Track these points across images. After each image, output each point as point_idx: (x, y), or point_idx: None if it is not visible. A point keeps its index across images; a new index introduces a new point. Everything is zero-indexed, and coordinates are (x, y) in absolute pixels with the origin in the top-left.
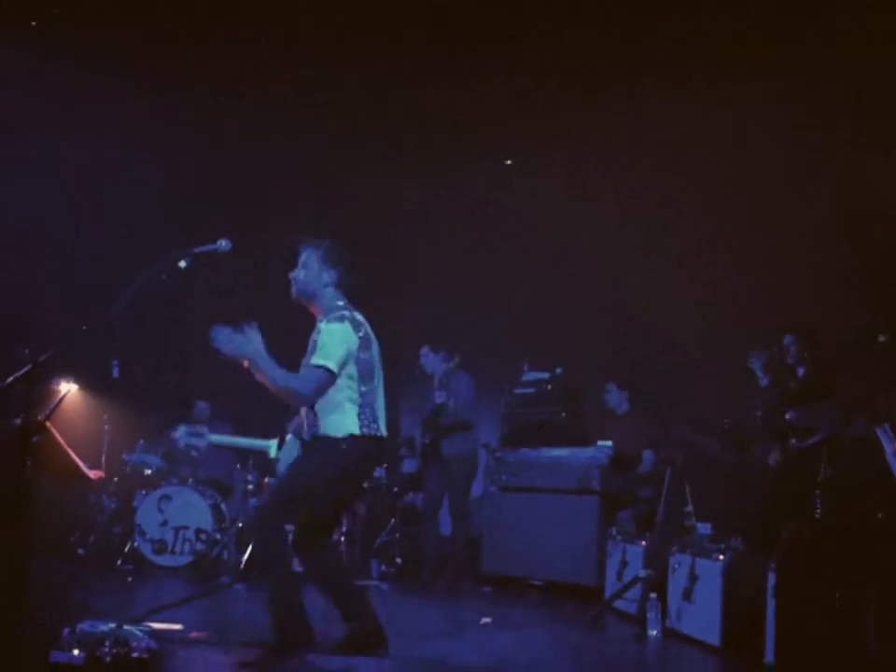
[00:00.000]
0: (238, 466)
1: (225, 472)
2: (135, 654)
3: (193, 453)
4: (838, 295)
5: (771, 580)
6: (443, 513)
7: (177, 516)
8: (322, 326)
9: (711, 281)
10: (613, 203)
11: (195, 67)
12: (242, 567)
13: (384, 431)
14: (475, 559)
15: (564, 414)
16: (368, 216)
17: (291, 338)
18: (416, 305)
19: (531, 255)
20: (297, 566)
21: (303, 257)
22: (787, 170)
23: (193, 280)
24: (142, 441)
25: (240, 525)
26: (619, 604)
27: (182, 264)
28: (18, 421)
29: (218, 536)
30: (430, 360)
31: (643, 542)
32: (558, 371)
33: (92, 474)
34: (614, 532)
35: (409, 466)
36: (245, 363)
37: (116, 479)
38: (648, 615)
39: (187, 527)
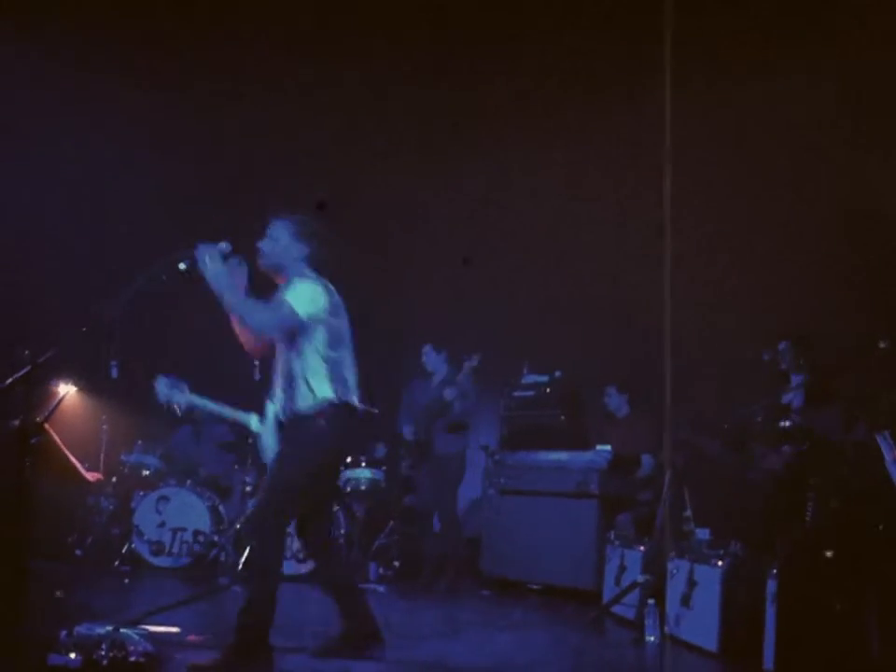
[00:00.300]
0: (236, 466)
1: (224, 472)
2: (132, 658)
3: (176, 411)
4: (838, 296)
5: (770, 586)
6: None
7: (175, 518)
8: (291, 283)
9: (711, 281)
10: (613, 203)
11: (195, 65)
12: (240, 568)
13: (356, 403)
14: (474, 562)
15: (563, 418)
16: (367, 214)
17: None
18: (416, 305)
19: (531, 255)
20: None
21: (272, 228)
22: (787, 170)
23: (193, 281)
24: (140, 442)
25: (238, 526)
26: (617, 609)
27: (182, 266)
28: (17, 423)
29: (216, 538)
30: (432, 359)
31: (642, 547)
32: (557, 373)
33: (91, 476)
34: (613, 536)
35: (407, 468)
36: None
37: (114, 480)
38: (646, 621)
39: (185, 529)
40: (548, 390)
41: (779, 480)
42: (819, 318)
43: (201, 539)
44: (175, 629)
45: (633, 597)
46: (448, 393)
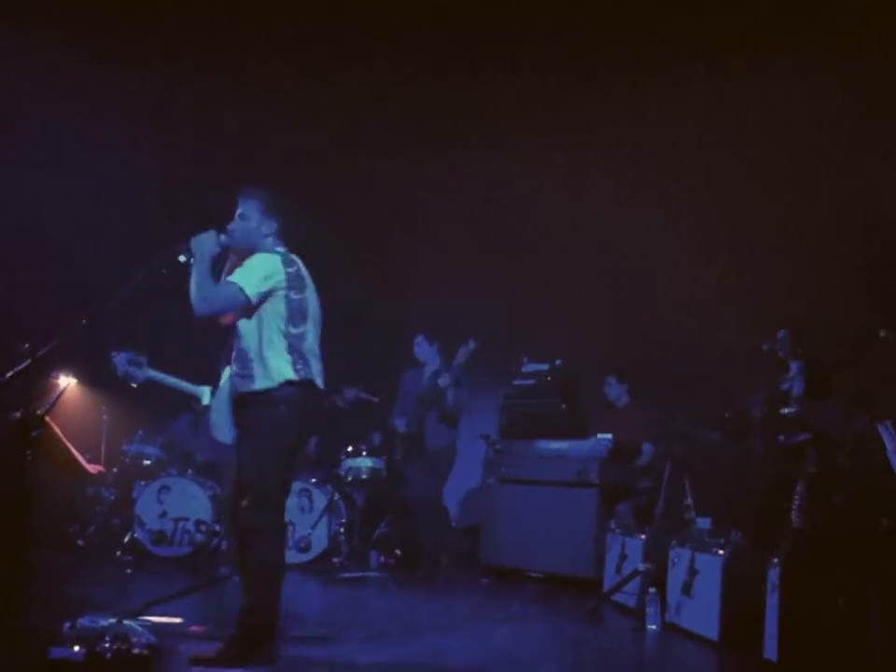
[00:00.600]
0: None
1: (220, 458)
2: (136, 650)
3: (131, 383)
4: (839, 290)
5: (771, 575)
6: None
7: (177, 507)
8: (249, 259)
9: (711, 274)
10: (613, 198)
11: (195, 61)
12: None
13: (318, 380)
14: (474, 551)
15: (563, 406)
16: (368, 211)
17: None
18: (416, 296)
19: (531, 246)
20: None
21: (242, 209)
22: (787, 169)
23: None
24: (141, 432)
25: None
26: (618, 597)
27: (182, 259)
28: (17, 415)
29: (218, 527)
30: (424, 350)
31: (642, 536)
32: (557, 362)
33: (92, 468)
34: (613, 525)
35: (399, 460)
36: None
37: (115, 470)
38: (647, 609)
39: (186, 518)
40: (548, 379)
41: (780, 469)
42: (819, 310)
43: (202, 528)
44: (177, 620)
45: (634, 586)
46: (443, 381)
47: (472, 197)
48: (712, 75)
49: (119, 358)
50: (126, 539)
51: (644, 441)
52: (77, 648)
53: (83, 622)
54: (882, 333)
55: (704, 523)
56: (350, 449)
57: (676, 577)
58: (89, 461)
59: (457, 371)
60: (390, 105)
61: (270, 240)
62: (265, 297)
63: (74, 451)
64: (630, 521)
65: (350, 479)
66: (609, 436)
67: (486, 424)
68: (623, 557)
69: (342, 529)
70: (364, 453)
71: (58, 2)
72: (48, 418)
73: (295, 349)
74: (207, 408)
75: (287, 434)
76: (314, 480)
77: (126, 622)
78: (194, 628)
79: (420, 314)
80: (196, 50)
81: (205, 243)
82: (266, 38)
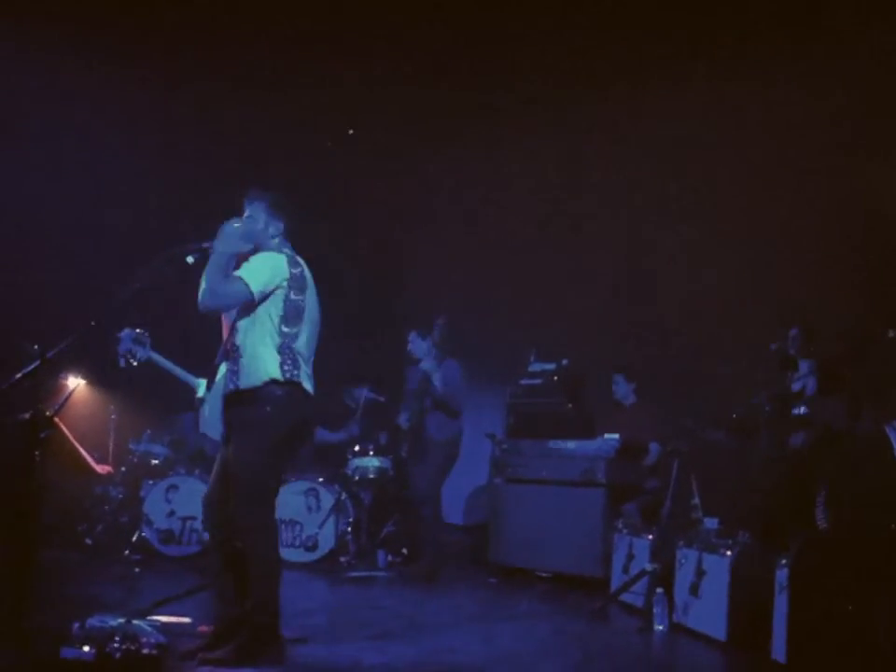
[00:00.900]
0: None
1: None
2: (145, 650)
3: (132, 361)
4: (847, 290)
5: (779, 576)
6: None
7: (185, 506)
8: (255, 257)
9: (714, 273)
10: (621, 195)
11: (195, 61)
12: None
13: (307, 384)
14: (480, 549)
15: (569, 406)
16: (371, 207)
17: None
18: (425, 296)
19: (539, 244)
20: None
21: (249, 210)
22: (796, 167)
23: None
24: (148, 431)
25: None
26: (625, 597)
27: (190, 259)
28: (27, 416)
29: None
30: (418, 346)
31: (649, 535)
32: (564, 362)
33: (101, 469)
34: (620, 525)
35: (404, 455)
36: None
37: (123, 469)
38: (654, 609)
39: (194, 517)
40: (555, 378)
41: (791, 469)
42: (828, 312)
43: None
44: (186, 619)
45: (641, 586)
46: (425, 364)
47: (473, 196)
48: (712, 75)
49: (124, 334)
50: (134, 538)
51: (651, 441)
52: (86, 648)
53: (92, 621)
54: (891, 333)
55: (711, 523)
56: (357, 448)
57: (683, 577)
58: (97, 461)
59: (436, 350)
60: (390, 104)
61: (277, 241)
62: (267, 295)
63: (82, 451)
64: (637, 520)
65: (357, 478)
66: (616, 435)
67: (493, 423)
68: (630, 557)
69: (349, 528)
70: (371, 452)
71: (58, 2)
72: (56, 419)
73: (286, 349)
74: (201, 401)
75: (273, 434)
76: (321, 479)
77: (135, 621)
78: (202, 628)
79: (422, 312)
80: (196, 50)
81: (232, 238)
82: (266, 38)
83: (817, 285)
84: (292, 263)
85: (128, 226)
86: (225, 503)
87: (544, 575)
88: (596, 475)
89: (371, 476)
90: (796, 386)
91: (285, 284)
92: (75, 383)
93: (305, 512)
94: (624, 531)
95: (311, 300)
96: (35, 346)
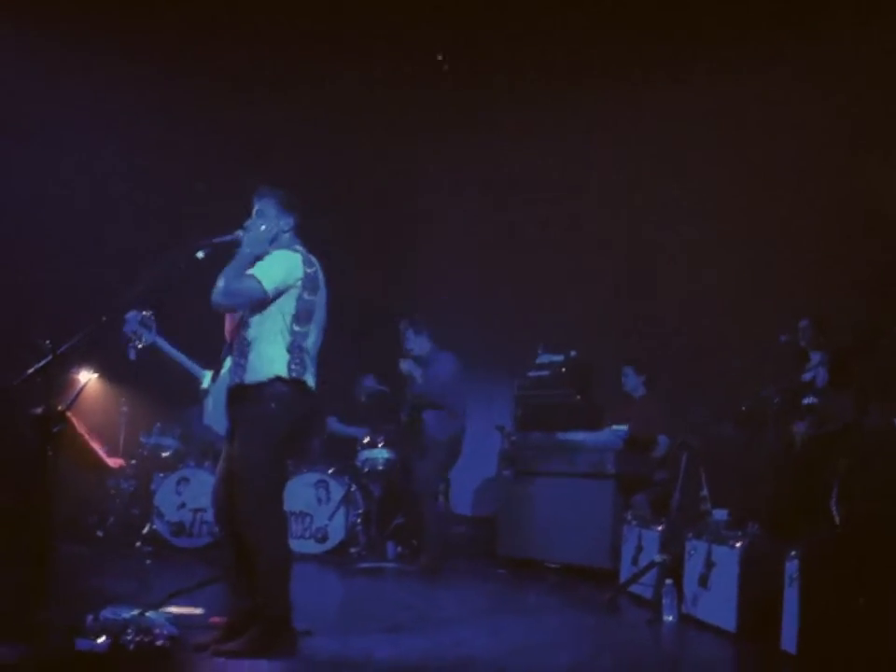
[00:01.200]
0: None
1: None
2: (158, 642)
3: (137, 343)
4: (856, 284)
5: (789, 568)
6: (456, 491)
7: (195, 498)
8: (272, 252)
9: (728, 264)
10: (630, 187)
11: (195, 60)
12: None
13: (311, 382)
14: (490, 542)
15: (578, 397)
16: (374, 201)
17: None
18: (432, 289)
19: (547, 236)
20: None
21: (258, 206)
22: (803, 164)
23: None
24: (159, 424)
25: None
26: (634, 588)
27: (200, 255)
28: (39, 411)
29: None
30: (412, 340)
31: (659, 527)
32: (573, 353)
33: (113, 462)
34: (629, 517)
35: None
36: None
37: (133, 461)
38: (663, 601)
39: (204, 510)
40: (563, 370)
41: (799, 460)
42: (836, 306)
43: None
44: (198, 611)
45: (650, 577)
46: (404, 365)
47: (478, 187)
48: (713, 75)
49: (131, 315)
50: (145, 531)
51: (660, 433)
52: (100, 640)
53: (105, 614)
54: None
55: (720, 514)
56: (366, 440)
57: (692, 569)
58: (108, 454)
59: (430, 344)
60: (390, 104)
61: (287, 236)
62: (281, 293)
63: (94, 445)
64: (646, 512)
65: (367, 470)
66: (625, 427)
67: (502, 415)
68: (639, 549)
69: (358, 520)
70: (381, 444)
71: (58, 1)
72: (68, 413)
73: (295, 347)
74: (205, 392)
75: (277, 430)
76: (331, 471)
77: (148, 613)
78: (215, 619)
79: (436, 299)
80: (196, 50)
81: (262, 241)
82: (266, 38)
83: (817, 284)
84: (307, 262)
85: (130, 225)
86: (232, 498)
87: (553, 566)
88: (606, 467)
89: (381, 468)
90: (806, 377)
91: (299, 283)
92: (86, 377)
93: (315, 504)
94: (634, 523)
95: (321, 301)
96: (48, 342)
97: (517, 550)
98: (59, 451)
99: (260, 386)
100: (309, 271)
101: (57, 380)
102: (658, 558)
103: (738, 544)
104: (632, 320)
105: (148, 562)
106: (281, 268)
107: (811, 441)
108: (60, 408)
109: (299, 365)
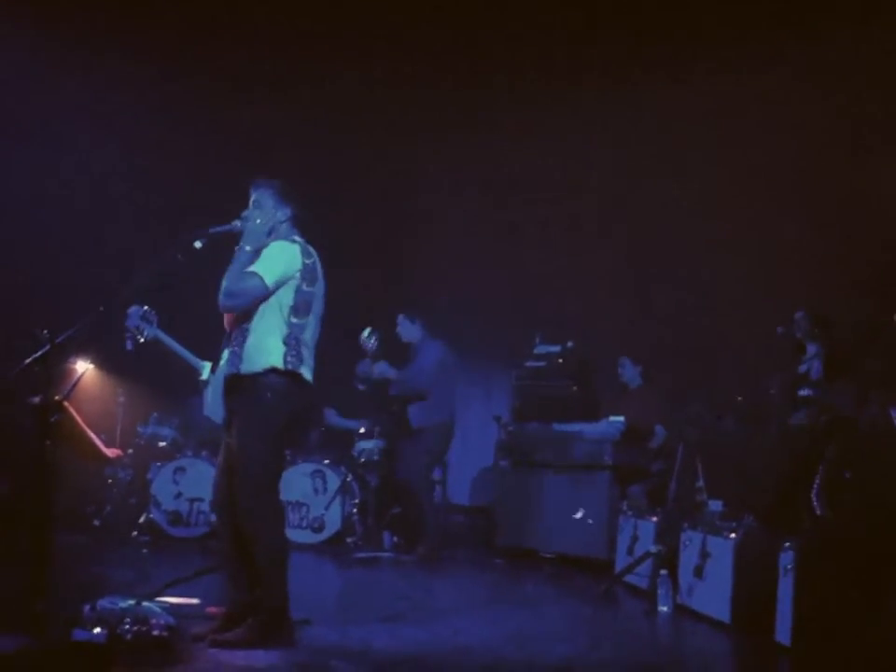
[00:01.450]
0: None
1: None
2: (156, 632)
3: (139, 337)
4: (856, 284)
5: (783, 559)
6: (453, 481)
7: (192, 488)
8: (270, 243)
9: (727, 262)
10: (626, 177)
11: (196, 60)
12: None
13: (307, 375)
14: (487, 532)
15: (575, 388)
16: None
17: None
18: (431, 279)
19: (547, 235)
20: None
21: (255, 196)
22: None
23: (208, 258)
24: (155, 414)
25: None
26: (630, 579)
27: (198, 245)
28: (36, 401)
29: None
30: (406, 329)
31: (654, 518)
32: (570, 344)
33: (110, 453)
34: (625, 507)
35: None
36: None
37: (130, 451)
38: (658, 591)
39: (201, 499)
40: (560, 361)
41: (796, 452)
42: (835, 297)
43: None
44: (195, 600)
45: (646, 568)
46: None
47: (478, 187)
48: (713, 74)
49: (132, 311)
50: (142, 520)
51: (657, 424)
52: (98, 630)
53: (103, 603)
54: None
55: (716, 505)
56: (363, 431)
57: (687, 559)
58: (105, 444)
59: (422, 332)
60: (390, 104)
61: (285, 226)
62: (280, 285)
63: (92, 435)
64: (642, 503)
65: (363, 460)
66: (622, 418)
67: (499, 406)
68: (634, 539)
69: (355, 510)
70: (377, 434)
71: (58, 1)
72: (66, 403)
73: (292, 339)
74: (205, 383)
75: (273, 421)
76: (327, 461)
77: (145, 603)
78: (212, 609)
79: (435, 290)
80: (196, 50)
81: (259, 235)
82: (266, 38)
83: (817, 283)
84: (305, 253)
85: (129, 222)
86: (232, 490)
87: (549, 556)
88: (602, 458)
89: (377, 458)
90: (802, 369)
91: (297, 274)
92: (83, 367)
93: (312, 494)
94: (629, 513)
95: (319, 293)
96: (45, 332)
97: (514, 540)
98: (56, 441)
99: (256, 377)
100: (307, 261)
101: (55, 370)
102: (653, 549)
103: (733, 535)
104: (630, 313)
105: (145, 551)
106: (281, 260)
107: (806, 433)
108: (57, 398)
109: (295, 357)
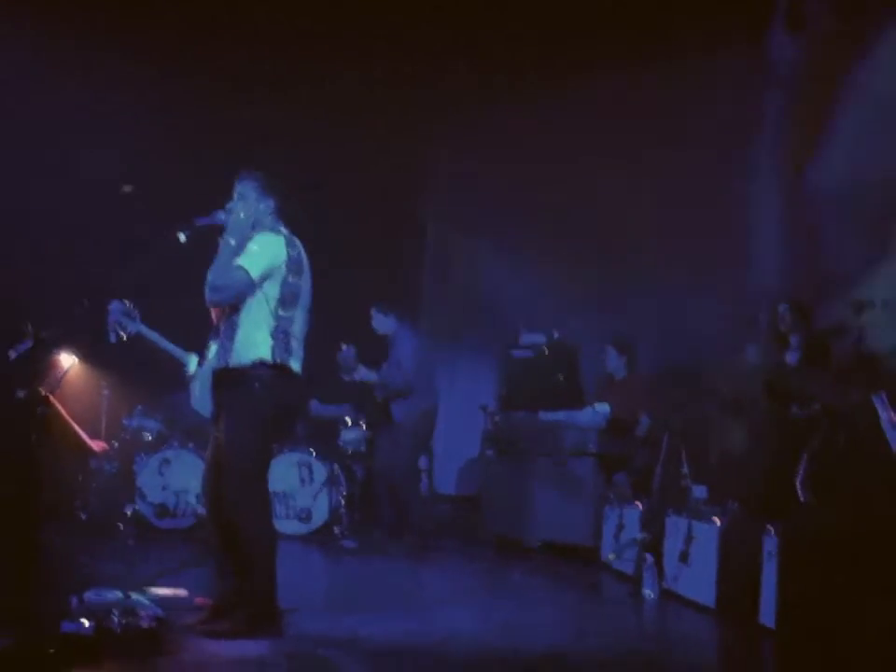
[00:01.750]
0: None
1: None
2: (144, 624)
3: (121, 333)
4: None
5: (767, 544)
6: (439, 470)
7: (178, 479)
8: (255, 235)
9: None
10: (612, 168)
11: (196, 59)
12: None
13: (296, 368)
14: (473, 521)
15: (561, 378)
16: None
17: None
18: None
19: (541, 227)
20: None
21: (239, 188)
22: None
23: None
24: (140, 407)
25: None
26: (616, 565)
27: (182, 237)
28: (22, 395)
29: None
30: (380, 321)
31: (639, 505)
32: (555, 334)
33: (96, 446)
34: (611, 495)
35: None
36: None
37: (116, 444)
38: (644, 577)
39: (187, 491)
40: (546, 350)
41: (779, 440)
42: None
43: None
44: (182, 592)
45: (632, 554)
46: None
47: (478, 187)
48: (713, 73)
49: (114, 306)
50: (128, 512)
51: (642, 413)
52: (86, 623)
53: (90, 595)
54: (879, 305)
55: (700, 491)
56: (348, 420)
57: (672, 545)
58: (92, 439)
59: (398, 323)
60: (390, 103)
61: (270, 219)
62: (266, 278)
63: (77, 428)
64: (627, 491)
65: (350, 451)
66: (607, 406)
67: (485, 395)
68: (620, 527)
69: (342, 501)
70: (363, 425)
71: (58, 1)
72: (51, 397)
73: (280, 332)
74: (192, 377)
75: (261, 413)
76: (313, 452)
77: (133, 595)
78: (199, 600)
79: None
80: (196, 50)
81: (243, 228)
82: (266, 38)
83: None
84: (290, 244)
85: (132, 223)
86: (220, 483)
87: (536, 545)
88: (587, 446)
89: (364, 449)
90: (787, 360)
91: (283, 266)
92: (68, 361)
93: (298, 485)
94: (614, 501)
95: (306, 284)
96: (30, 326)
97: (500, 529)
98: (42, 434)
99: (244, 370)
100: (293, 253)
101: (40, 364)
102: (639, 536)
103: (717, 521)
104: (614, 302)
105: (131, 542)
106: (265, 253)
107: (789, 422)
108: (43, 392)
109: (283, 350)
